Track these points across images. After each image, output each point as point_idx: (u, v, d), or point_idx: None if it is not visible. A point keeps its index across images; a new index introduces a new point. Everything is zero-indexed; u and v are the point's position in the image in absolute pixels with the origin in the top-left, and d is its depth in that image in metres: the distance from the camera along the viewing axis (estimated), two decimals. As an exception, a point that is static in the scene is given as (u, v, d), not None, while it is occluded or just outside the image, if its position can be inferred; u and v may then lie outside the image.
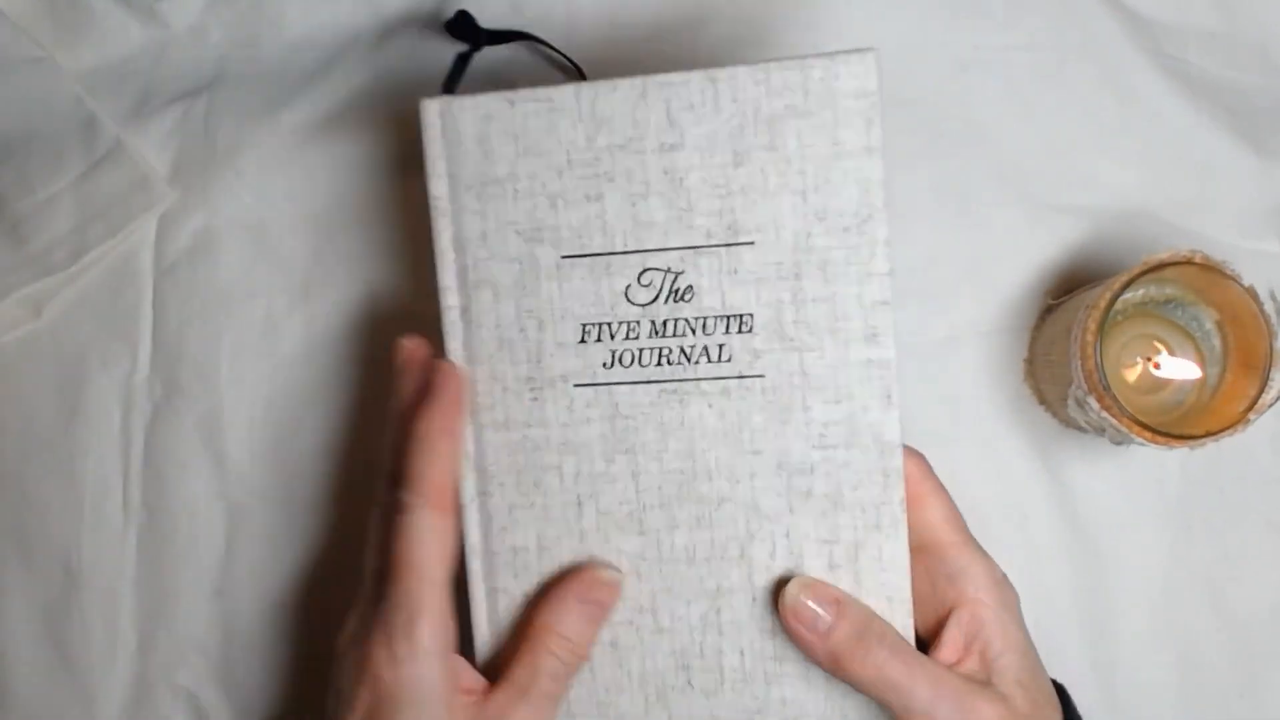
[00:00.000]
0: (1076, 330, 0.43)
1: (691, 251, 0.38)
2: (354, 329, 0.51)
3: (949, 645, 0.39)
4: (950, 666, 0.38)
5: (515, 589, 0.40)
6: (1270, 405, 0.42)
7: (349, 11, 0.52)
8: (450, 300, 0.40)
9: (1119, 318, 0.47)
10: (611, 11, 0.51)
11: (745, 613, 0.40)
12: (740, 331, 0.39)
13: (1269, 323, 0.42)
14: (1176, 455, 0.49)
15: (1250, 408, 0.42)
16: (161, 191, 0.51)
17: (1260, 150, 0.50)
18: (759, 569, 0.39)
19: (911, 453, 0.39)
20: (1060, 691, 0.41)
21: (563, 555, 0.40)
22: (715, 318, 0.39)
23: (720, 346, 0.39)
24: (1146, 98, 0.51)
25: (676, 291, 0.39)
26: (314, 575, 0.50)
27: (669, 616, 0.40)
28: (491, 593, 0.41)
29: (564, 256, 0.39)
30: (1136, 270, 0.42)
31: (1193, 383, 0.46)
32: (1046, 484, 0.49)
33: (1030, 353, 0.50)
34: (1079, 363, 0.42)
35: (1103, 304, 0.42)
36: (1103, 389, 0.42)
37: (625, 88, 0.38)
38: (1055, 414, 0.49)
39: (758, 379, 0.39)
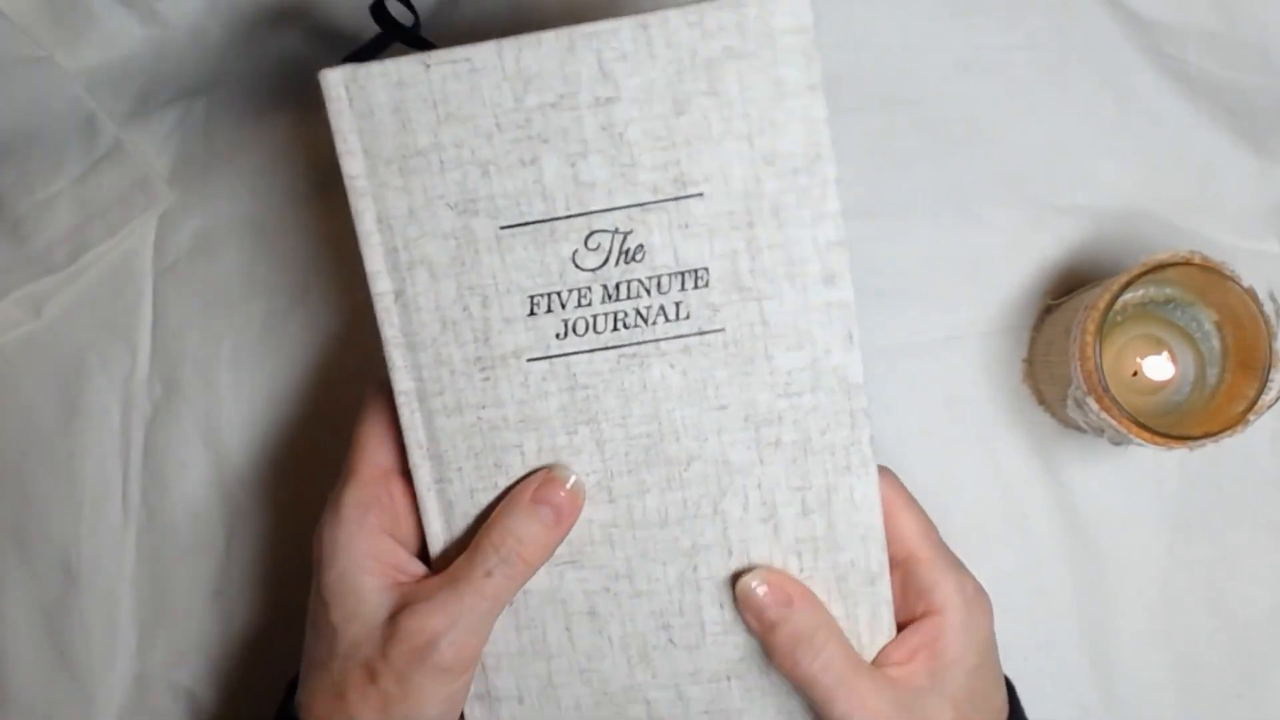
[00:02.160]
0: (1076, 331, 0.43)
1: (639, 209, 0.37)
2: (353, 328, 0.51)
3: (901, 646, 0.39)
4: (896, 664, 0.39)
5: None
6: (1269, 406, 0.42)
7: (349, 10, 0.52)
8: (381, 285, 0.38)
9: (1118, 318, 0.47)
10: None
11: (722, 567, 0.39)
12: (696, 287, 0.37)
13: (1268, 323, 0.42)
14: (1175, 456, 0.49)
15: (1249, 408, 0.42)
16: (161, 191, 0.51)
17: (1260, 150, 0.50)
18: (733, 523, 0.39)
19: (883, 470, 0.39)
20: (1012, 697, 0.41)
21: None
22: (669, 275, 0.37)
23: (677, 304, 0.38)
24: (1146, 98, 0.51)
25: (627, 252, 0.37)
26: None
27: (646, 580, 0.39)
28: None
29: (503, 227, 0.37)
30: (1136, 271, 0.42)
31: (1192, 383, 0.46)
32: (1046, 484, 0.49)
33: (1029, 353, 0.50)
34: (1078, 363, 0.42)
35: (1102, 305, 0.42)
36: (1102, 390, 0.42)
37: (551, 41, 0.36)
38: (1054, 414, 0.49)
39: (718, 333, 0.38)
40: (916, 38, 0.51)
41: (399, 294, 0.38)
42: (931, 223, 0.50)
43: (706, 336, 0.38)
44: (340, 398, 0.50)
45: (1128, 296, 0.43)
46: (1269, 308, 0.42)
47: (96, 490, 0.51)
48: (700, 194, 0.37)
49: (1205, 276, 0.43)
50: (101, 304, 0.52)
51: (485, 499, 0.39)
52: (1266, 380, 0.42)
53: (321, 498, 0.50)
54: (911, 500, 0.40)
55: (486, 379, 0.38)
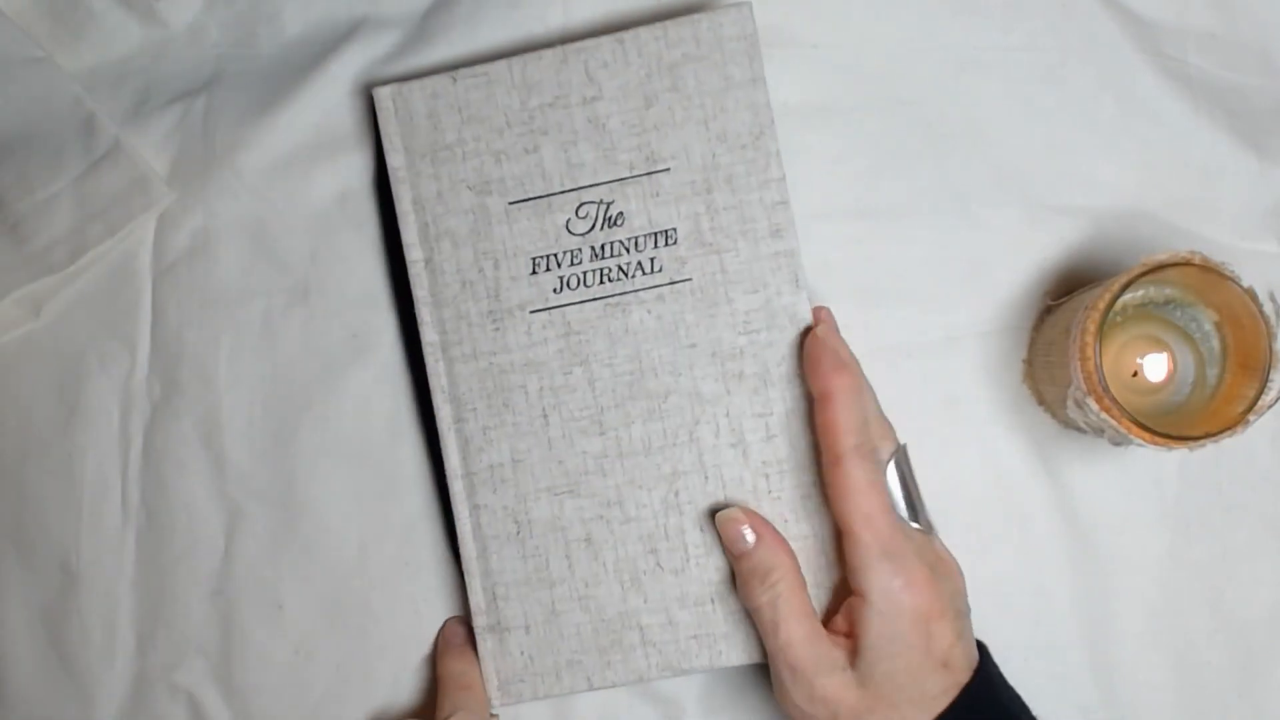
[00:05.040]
0: (1076, 331, 0.43)
1: (619, 183, 0.46)
2: (352, 328, 0.51)
3: (839, 621, 0.43)
4: (834, 633, 0.42)
5: (495, 503, 0.46)
6: (1269, 406, 0.42)
7: (345, 10, 0.52)
8: (415, 255, 0.47)
9: (1118, 319, 0.47)
10: (608, 13, 0.51)
11: (700, 491, 0.45)
12: (667, 244, 0.45)
13: (1268, 324, 0.42)
14: (1175, 456, 0.49)
15: (1249, 409, 0.42)
16: (161, 191, 0.51)
17: (1260, 151, 0.50)
18: (707, 449, 0.45)
19: (864, 456, 0.42)
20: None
21: (534, 464, 0.46)
22: (644, 235, 0.46)
23: (651, 259, 0.46)
24: (1146, 98, 0.51)
25: (610, 219, 0.46)
26: (313, 575, 0.50)
27: (634, 505, 0.46)
28: (474, 509, 0.46)
29: (511, 203, 0.46)
30: (1136, 271, 0.42)
31: (1192, 383, 0.46)
32: (1045, 485, 0.49)
33: (1029, 353, 0.50)
34: (1078, 364, 0.42)
35: (1102, 305, 0.42)
36: (1102, 390, 0.42)
37: (549, 56, 0.46)
38: (1054, 415, 0.49)
39: (686, 282, 0.45)
40: (916, 38, 0.51)
41: (428, 261, 0.47)
42: (931, 223, 0.50)
43: (677, 285, 0.45)
44: (340, 397, 0.50)
45: (1127, 297, 0.43)
46: (1269, 308, 0.42)
47: (96, 490, 0.51)
48: (668, 169, 0.46)
49: (1205, 277, 0.43)
50: (101, 304, 0.52)
51: (496, 435, 0.46)
52: (1266, 380, 0.42)
53: (322, 498, 0.50)
54: (876, 482, 0.42)
55: (497, 329, 0.46)
